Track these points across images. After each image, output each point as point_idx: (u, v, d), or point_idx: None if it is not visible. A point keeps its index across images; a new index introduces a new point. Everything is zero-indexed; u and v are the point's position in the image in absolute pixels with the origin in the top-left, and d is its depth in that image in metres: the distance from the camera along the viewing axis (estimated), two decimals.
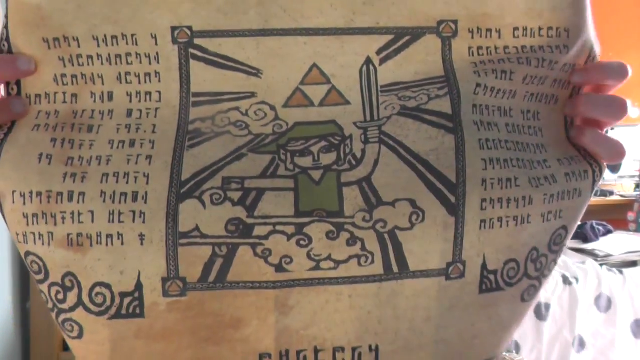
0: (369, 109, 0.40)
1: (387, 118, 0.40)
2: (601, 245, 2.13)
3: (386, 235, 0.38)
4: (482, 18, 0.41)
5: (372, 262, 0.38)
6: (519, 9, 0.41)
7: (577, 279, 1.82)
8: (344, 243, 0.37)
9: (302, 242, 0.37)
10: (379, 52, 0.40)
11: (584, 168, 0.43)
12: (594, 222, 2.26)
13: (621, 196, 2.76)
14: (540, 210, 0.41)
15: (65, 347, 2.15)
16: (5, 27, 0.39)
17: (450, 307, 0.39)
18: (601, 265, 1.93)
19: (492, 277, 0.40)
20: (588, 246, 2.12)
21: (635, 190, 2.85)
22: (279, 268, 0.37)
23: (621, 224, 2.51)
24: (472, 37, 0.41)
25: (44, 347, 2.12)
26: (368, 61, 0.40)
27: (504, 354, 0.45)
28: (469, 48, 0.41)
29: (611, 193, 2.77)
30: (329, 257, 0.37)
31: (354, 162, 0.39)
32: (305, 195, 0.38)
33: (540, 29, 0.41)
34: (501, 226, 0.40)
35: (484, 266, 0.40)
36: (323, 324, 0.38)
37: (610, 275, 1.88)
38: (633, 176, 2.87)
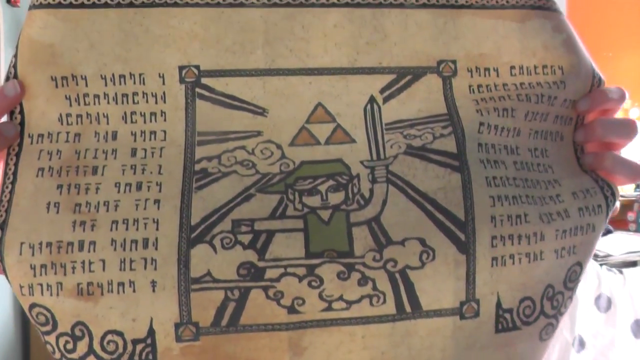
0: (374, 147, 0.40)
1: (394, 157, 0.40)
2: (601, 245, 2.13)
3: (397, 275, 0.38)
4: (479, 58, 0.42)
5: (384, 301, 0.38)
6: (514, 48, 0.43)
7: None
8: (356, 283, 0.37)
9: (313, 283, 0.37)
10: (382, 91, 0.41)
11: (598, 203, 0.43)
12: None
13: (621, 196, 2.76)
14: (553, 246, 0.41)
15: None
16: (15, 56, 0.39)
17: (467, 347, 0.39)
18: (601, 265, 1.93)
19: (508, 315, 0.40)
20: None
21: (635, 191, 2.85)
22: (292, 310, 0.37)
23: (621, 224, 2.51)
24: (472, 76, 0.42)
25: (44, 347, 2.11)
26: (372, 100, 0.41)
27: None
28: (469, 86, 0.42)
29: None
30: (340, 298, 0.37)
31: (362, 202, 0.39)
32: (315, 235, 0.38)
33: (535, 67, 0.43)
34: (513, 263, 0.39)
35: (498, 305, 0.39)
36: None
37: (610, 275, 1.88)
38: None
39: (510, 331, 0.40)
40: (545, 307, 0.41)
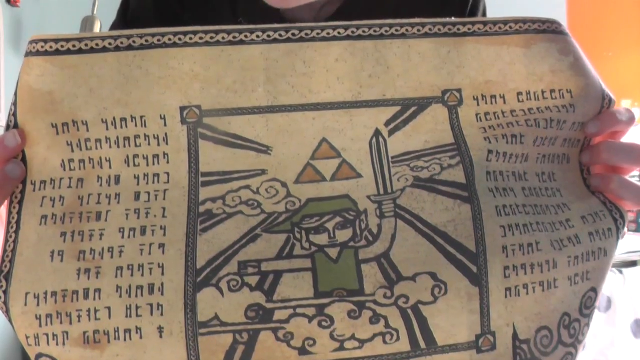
0: (381, 182, 0.40)
1: (401, 191, 0.39)
2: None
3: (409, 311, 0.37)
4: (485, 85, 0.42)
5: (398, 339, 0.37)
6: (520, 75, 0.42)
7: None
8: (367, 321, 0.37)
9: (324, 323, 0.36)
10: (387, 124, 0.41)
11: (608, 226, 0.43)
12: None
13: None
14: (566, 273, 0.40)
15: None
16: (14, 104, 0.39)
17: None
18: None
19: (525, 347, 0.39)
20: None
21: None
22: (303, 351, 0.36)
23: None
24: (478, 104, 0.41)
25: None
26: (377, 133, 0.40)
27: None
28: (476, 114, 0.41)
29: None
30: (352, 337, 0.37)
31: (370, 238, 0.38)
32: (324, 274, 0.37)
33: (543, 92, 0.42)
34: (527, 293, 0.39)
35: (515, 336, 0.39)
36: None
37: (610, 275, 1.88)
38: (633, 176, 2.87)
39: None
40: (563, 336, 0.40)
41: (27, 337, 0.37)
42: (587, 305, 0.41)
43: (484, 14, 0.66)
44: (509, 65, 0.42)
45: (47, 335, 0.36)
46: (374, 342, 0.37)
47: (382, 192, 0.39)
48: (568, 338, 0.41)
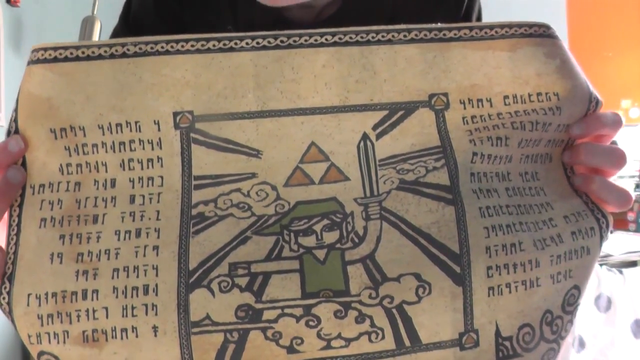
0: (368, 184, 0.41)
1: (387, 193, 0.40)
2: None
3: (394, 311, 0.38)
4: (471, 89, 0.42)
5: (383, 337, 0.38)
6: (505, 78, 0.42)
7: None
8: (353, 321, 0.38)
9: (311, 323, 0.38)
10: (374, 128, 0.41)
11: (590, 225, 0.43)
12: None
13: None
14: (548, 272, 0.41)
15: None
16: (15, 110, 0.40)
17: None
18: (601, 265, 1.93)
19: (507, 343, 0.40)
20: None
21: (635, 190, 2.85)
22: (291, 349, 0.38)
23: (621, 224, 2.51)
24: (464, 108, 0.42)
25: None
26: (365, 137, 0.41)
27: None
28: (463, 117, 0.42)
29: None
30: (339, 336, 0.38)
31: (356, 240, 0.39)
32: (311, 275, 0.38)
33: (529, 95, 0.43)
34: (510, 292, 0.40)
35: (497, 333, 0.40)
36: None
37: (610, 275, 1.88)
38: (633, 176, 2.87)
39: (511, 358, 0.40)
40: (545, 332, 0.41)
41: (30, 336, 0.38)
42: (569, 302, 0.42)
43: (479, 15, 0.66)
44: (494, 69, 0.42)
45: (48, 334, 0.38)
46: (360, 340, 0.38)
47: (368, 194, 0.40)
48: (550, 334, 0.42)
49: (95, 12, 1.99)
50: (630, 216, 2.55)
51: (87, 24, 1.96)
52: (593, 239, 0.43)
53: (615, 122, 0.44)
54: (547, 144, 0.44)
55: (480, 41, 0.43)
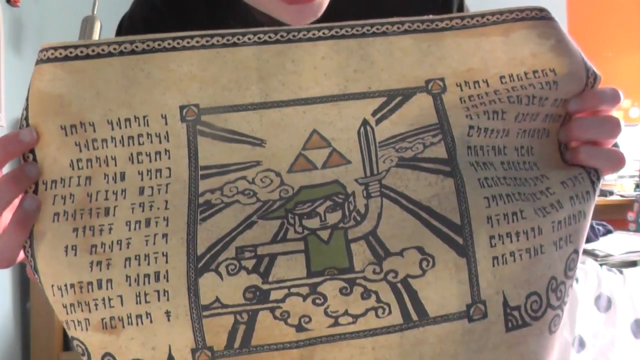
0: (368, 165, 0.41)
1: (386, 171, 0.41)
2: (601, 245, 2.13)
3: (399, 285, 0.38)
4: (467, 73, 0.43)
5: (390, 312, 0.38)
6: (501, 60, 0.43)
7: (577, 279, 1.82)
8: (359, 297, 0.38)
9: (317, 301, 0.38)
10: (374, 114, 0.42)
11: (586, 189, 0.44)
12: (594, 222, 2.26)
13: (621, 196, 2.76)
14: (551, 238, 0.41)
15: (66, 347, 2.15)
16: (25, 108, 0.42)
17: (479, 349, 0.39)
18: (601, 265, 1.93)
19: (516, 313, 0.40)
20: (588, 246, 2.12)
21: (635, 190, 2.85)
22: (299, 328, 0.38)
23: (621, 224, 2.51)
24: (461, 90, 0.43)
25: (44, 347, 2.12)
26: (365, 123, 0.42)
27: None
28: (460, 98, 0.43)
29: (611, 193, 2.78)
30: (346, 313, 0.38)
31: (358, 218, 0.40)
32: (316, 255, 0.39)
33: (525, 73, 0.43)
34: (515, 260, 0.40)
35: (505, 303, 0.40)
36: None
37: (610, 275, 1.88)
38: (633, 176, 2.87)
39: (521, 328, 0.40)
40: (551, 299, 0.42)
41: (64, 322, 0.41)
42: (570, 266, 0.43)
43: (460, 5, 0.67)
44: (489, 53, 0.43)
45: (73, 322, 0.40)
46: (367, 316, 0.38)
47: (368, 174, 0.41)
48: (556, 301, 0.42)
49: (95, 12, 1.99)
50: (630, 216, 2.55)
51: (87, 24, 1.96)
52: (588, 203, 0.44)
53: (614, 97, 0.43)
54: (545, 119, 0.44)
55: (473, 29, 0.44)
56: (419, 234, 0.39)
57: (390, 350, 0.38)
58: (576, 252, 0.43)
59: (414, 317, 0.38)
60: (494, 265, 0.39)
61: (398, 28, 0.44)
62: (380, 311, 0.38)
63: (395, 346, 0.38)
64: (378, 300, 0.38)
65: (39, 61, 0.42)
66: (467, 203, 0.40)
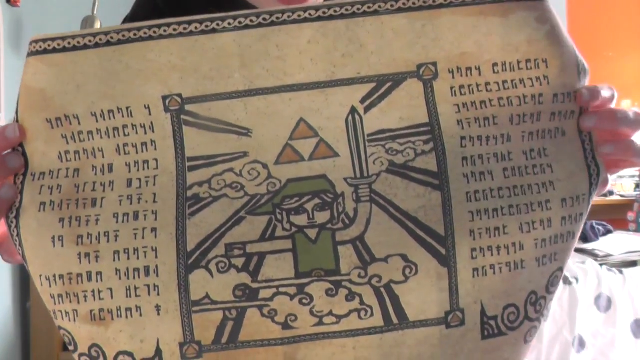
0: (357, 162, 0.41)
1: (377, 175, 0.41)
2: (601, 245, 2.13)
3: (382, 289, 0.40)
4: (460, 57, 0.42)
5: (372, 314, 0.40)
6: (496, 45, 0.42)
7: (577, 279, 1.82)
8: (344, 299, 0.40)
9: (304, 301, 0.40)
10: (362, 101, 0.42)
11: (581, 211, 0.44)
12: (594, 222, 2.26)
13: (621, 196, 2.75)
14: (534, 254, 0.42)
15: (66, 347, 2.15)
16: (17, 103, 0.42)
17: (454, 354, 0.41)
18: (601, 265, 1.93)
19: (492, 322, 0.42)
20: (588, 246, 2.12)
21: (635, 190, 2.85)
22: (285, 326, 0.40)
23: (621, 224, 2.50)
24: (453, 77, 0.42)
25: (44, 347, 2.12)
26: (353, 110, 0.42)
27: None
28: (451, 88, 0.42)
29: (611, 193, 2.77)
30: (330, 313, 0.40)
31: (347, 221, 0.41)
32: (304, 255, 0.40)
33: (518, 62, 0.43)
34: (494, 273, 0.41)
35: (483, 313, 0.41)
36: None
37: (610, 275, 1.88)
38: (633, 176, 2.87)
39: (497, 337, 0.42)
40: (529, 312, 0.43)
41: (50, 312, 0.41)
42: (553, 283, 0.44)
43: None
44: (485, 37, 0.42)
45: (61, 312, 0.40)
46: (350, 317, 0.40)
47: (358, 173, 0.41)
48: (534, 313, 0.43)
49: (95, 12, 1.98)
50: (630, 216, 2.54)
51: (87, 24, 1.96)
52: (579, 224, 0.44)
53: (636, 123, 0.43)
54: (552, 118, 0.43)
55: (472, 6, 0.42)
56: (404, 242, 0.40)
57: (370, 350, 0.40)
58: (560, 269, 0.44)
59: (395, 320, 0.40)
60: (474, 276, 0.41)
61: (392, 6, 0.42)
62: (363, 313, 0.40)
63: (375, 347, 0.40)
64: (362, 302, 0.40)
65: (28, 54, 0.42)
66: (452, 216, 0.41)
